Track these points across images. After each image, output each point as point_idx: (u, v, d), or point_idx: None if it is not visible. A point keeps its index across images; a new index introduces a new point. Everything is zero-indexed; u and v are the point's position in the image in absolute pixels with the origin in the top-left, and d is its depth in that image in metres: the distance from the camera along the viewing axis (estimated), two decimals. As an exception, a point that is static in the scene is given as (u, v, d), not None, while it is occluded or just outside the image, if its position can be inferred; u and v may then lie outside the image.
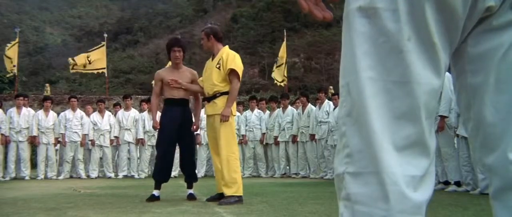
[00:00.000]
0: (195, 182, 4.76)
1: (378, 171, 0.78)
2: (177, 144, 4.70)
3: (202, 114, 6.07)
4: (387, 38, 0.80)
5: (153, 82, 5.15)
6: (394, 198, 0.77)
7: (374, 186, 0.78)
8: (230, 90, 4.32)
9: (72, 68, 13.55)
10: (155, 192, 4.52)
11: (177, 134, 4.59)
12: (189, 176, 4.73)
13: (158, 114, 4.85)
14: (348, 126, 0.84)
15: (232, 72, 4.29)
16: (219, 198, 4.23)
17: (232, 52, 4.41)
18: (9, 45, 13.50)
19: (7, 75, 14.50)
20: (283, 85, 14.15)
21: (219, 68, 4.32)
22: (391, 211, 0.77)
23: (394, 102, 0.80)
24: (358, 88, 0.82)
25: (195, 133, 5.36)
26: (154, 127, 4.78)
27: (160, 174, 4.59)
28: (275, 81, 14.18)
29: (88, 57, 13.65)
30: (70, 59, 13.62)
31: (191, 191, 4.64)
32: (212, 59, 4.46)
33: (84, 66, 13.58)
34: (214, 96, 4.34)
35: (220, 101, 4.31)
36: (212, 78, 4.34)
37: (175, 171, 8.47)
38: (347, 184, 0.82)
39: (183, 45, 4.75)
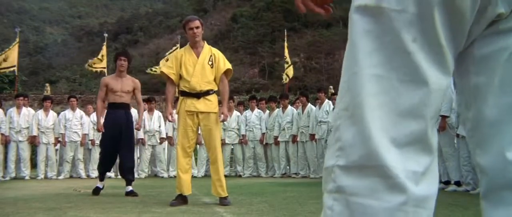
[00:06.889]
0: (133, 181, 5.25)
1: (377, 165, 0.78)
2: (118, 143, 5.18)
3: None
4: (392, 37, 0.80)
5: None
6: (395, 190, 0.78)
7: (372, 179, 0.79)
8: (225, 90, 4.30)
9: (89, 66, 14.66)
10: (99, 185, 5.20)
11: (119, 135, 5.14)
12: (128, 174, 5.22)
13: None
14: (343, 120, 0.84)
15: (228, 72, 4.31)
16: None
17: (216, 49, 4.40)
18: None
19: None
20: (285, 82, 15.30)
21: (212, 65, 4.25)
22: (393, 202, 0.78)
23: (399, 100, 0.80)
24: (359, 84, 0.82)
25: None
26: (98, 130, 5.35)
27: (104, 167, 5.35)
28: (285, 79, 15.47)
29: (101, 55, 14.67)
30: (87, 65, 14.72)
31: (130, 188, 5.10)
32: (196, 53, 4.25)
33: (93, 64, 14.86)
34: (206, 93, 4.19)
35: (215, 99, 4.28)
36: (206, 74, 4.20)
37: (175, 171, 8.45)
38: (337, 177, 0.83)
39: (128, 57, 5.40)
